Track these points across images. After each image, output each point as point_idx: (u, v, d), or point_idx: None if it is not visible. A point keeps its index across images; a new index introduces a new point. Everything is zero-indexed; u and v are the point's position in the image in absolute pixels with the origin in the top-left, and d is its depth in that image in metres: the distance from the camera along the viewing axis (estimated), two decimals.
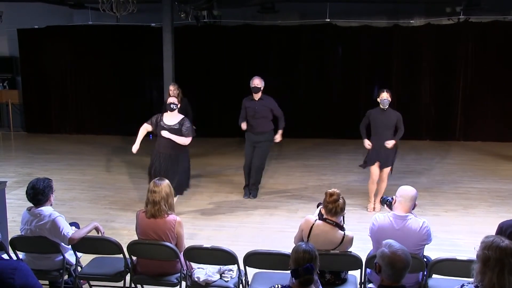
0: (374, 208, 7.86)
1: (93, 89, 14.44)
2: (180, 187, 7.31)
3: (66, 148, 12.64)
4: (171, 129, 7.11)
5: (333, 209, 4.53)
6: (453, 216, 7.72)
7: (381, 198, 5.13)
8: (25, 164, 11.05)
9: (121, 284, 4.84)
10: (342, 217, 4.67)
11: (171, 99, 7.26)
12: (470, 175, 9.98)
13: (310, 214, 4.83)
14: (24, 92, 14.90)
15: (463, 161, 11.28)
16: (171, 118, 7.20)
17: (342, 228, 4.60)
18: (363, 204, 8.12)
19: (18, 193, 8.43)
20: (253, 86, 8.16)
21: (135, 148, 7.30)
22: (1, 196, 5.89)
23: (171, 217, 4.73)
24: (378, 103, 7.55)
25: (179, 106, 7.29)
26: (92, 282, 5.12)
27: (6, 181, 6.12)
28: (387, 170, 7.78)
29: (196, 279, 4.68)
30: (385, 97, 7.48)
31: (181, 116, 7.27)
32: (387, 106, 7.52)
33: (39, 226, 4.68)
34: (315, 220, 4.61)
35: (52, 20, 14.11)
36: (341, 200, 4.56)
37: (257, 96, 8.21)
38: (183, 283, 4.74)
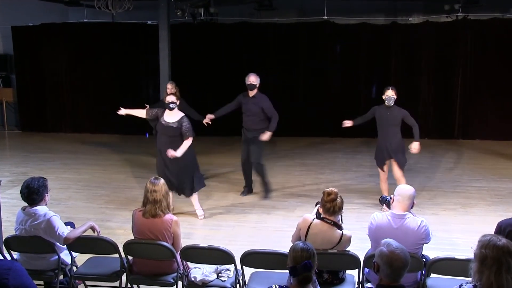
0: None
1: (89, 87, 14.32)
2: (199, 182, 7.38)
3: (61, 147, 12.56)
4: (169, 127, 7.03)
5: (331, 208, 4.51)
6: (452, 215, 7.69)
7: (380, 197, 5.11)
8: (19, 163, 10.98)
9: (117, 284, 4.81)
10: (340, 216, 4.65)
11: (170, 98, 7.17)
12: (469, 174, 9.95)
13: (308, 213, 4.80)
14: (19, 90, 14.80)
15: (462, 159, 11.25)
16: (171, 116, 7.12)
17: (340, 227, 4.57)
18: (361, 203, 8.08)
19: (13, 192, 8.37)
20: (248, 83, 8.13)
21: (123, 111, 7.31)
22: None
23: (168, 216, 4.71)
24: (382, 101, 7.53)
25: (178, 103, 7.20)
26: (87, 282, 5.08)
27: (1, 180, 6.11)
28: (397, 167, 7.67)
29: (192, 279, 4.65)
30: (390, 94, 7.46)
31: (181, 114, 7.17)
32: (393, 104, 7.48)
33: (34, 225, 4.65)
34: (313, 219, 4.58)
35: (47, 18, 14.01)
36: (339, 199, 4.54)
37: (251, 93, 8.16)
38: (180, 283, 4.71)
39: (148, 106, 7.72)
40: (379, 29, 13.27)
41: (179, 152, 6.92)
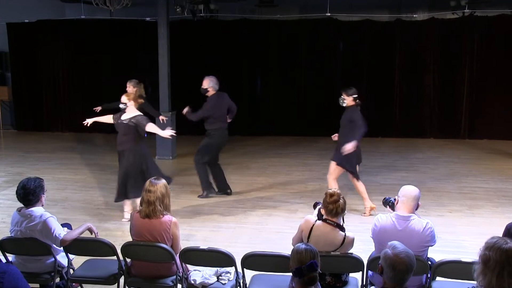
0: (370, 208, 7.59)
1: (86, 85, 14.19)
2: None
3: (58, 146, 12.46)
4: (121, 123, 7.03)
5: (333, 210, 4.45)
6: (458, 216, 7.58)
7: (384, 199, 5.01)
8: (15, 163, 10.87)
9: (115, 287, 4.73)
10: (342, 217, 4.56)
11: (122, 98, 7.13)
12: (475, 174, 9.82)
13: (310, 214, 4.72)
14: (14, 89, 14.67)
15: (468, 160, 11.10)
16: (127, 114, 7.09)
17: (342, 229, 4.50)
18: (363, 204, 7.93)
19: (8, 193, 8.28)
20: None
21: (90, 120, 7.34)
22: None
23: (167, 217, 4.62)
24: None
25: (127, 104, 7.08)
26: (85, 285, 5.02)
27: None
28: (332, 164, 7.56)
29: (192, 282, 4.59)
30: (342, 95, 7.42)
31: (137, 113, 7.09)
32: (345, 105, 7.42)
33: (29, 227, 4.57)
34: (315, 221, 4.51)
35: (43, 14, 13.88)
36: (341, 201, 4.48)
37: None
38: (179, 286, 4.64)
39: (100, 107, 7.54)
40: (383, 26, 13.14)
41: (156, 130, 7.04)
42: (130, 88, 8.76)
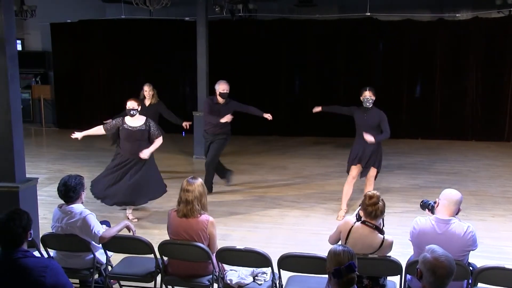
0: (343, 216, 7.16)
1: (125, 84, 14.37)
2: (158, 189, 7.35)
3: (97, 144, 12.62)
4: (136, 131, 6.97)
5: (372, 212, 4.38)
6: (501, 221, 7.36)
7: (421, 202, 4.90)
8: (56, 161, 11.10)
9: (151, 285, 4.76)
10: (381, 219, 4.49)
11: (131, 104, 7.02)
12: None
13: (349, 215, 4.65)
14: (56, 87, 15.01)
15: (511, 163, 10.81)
16: (135, 120, 7.05)
17: (381, 232, 4.42)
18: (404, 206, 7.79)
19: (50, 190, 8.45)
20: (222, 91, 8.24)
21: (78, 134, 7.26)
22: (32, 193, 5.86)
23: (204, 217, 4.61)
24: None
25: (139, 109, 7.08)
26: (122, 282, 5.05)
27: (38, 178, 6.10)
28: (373, 171, 7.40)
29: (228, 282, 4.58)
30: (368, 95, 7.21)
31: (144, 118, 7.12)
32: (371, 106, 7.22)
33: (70, 224, 4.64)
34: (354, 222, 4.45)
35: (85, 14, 14.17)
36: (380, 203, 4.40)
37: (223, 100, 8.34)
38: (215, 285, 4.63)
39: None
40: (425, 26, 12.93)
41: (149, 151, 6.95)
42: (150, 91, 8.90)
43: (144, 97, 8.88)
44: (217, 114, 8.21)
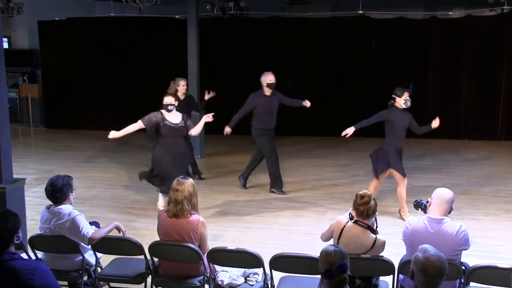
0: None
1: (115, 83, 14.29)
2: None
3: (86, 144, 12.56)
4: (181, 128, 7.07)
5: (364, 212, 4.37)
6: (494, 220, 7.36)
7: (415, 201, 4.90)
8: (44, 161, 11.00)
9: (142, 286, 4.72)
10: (374, 219, 4.47)
11: (168, 99, 7.07)
12: None
13: (341, 215, 4.63)
14: (44, 86, 14.86)
15: (505, 162, 10.83)
16: (173, 116, 7.11)
17: (374, 231, 4.42)
18: (397, 206, 7.72)
19: (37, 190, 8.36)
20: (270, 82, 8.13)
21: (114, 134, 7.25)
22: (20, 194, 5.80)
23: (194, 217, 4.57)
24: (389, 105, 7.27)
25: (176, 104, 7.13)
26: (112, 284, 5.00)
27: (25, 178, 6.04)
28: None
29: (219, 283, 4.56)
30: (408, 96, 7.25)
31: (180, 114, 7.20)
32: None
33: (58, 225, 4.58)
34: (347, 222, 4.43)
35: (73, 12, 14.03)
36: (372, 202, 4.39)
37: (270, 91, 8.24)
38: (206, 286, 4.59)
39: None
40: (418, 24, 12.93)
41: (198, 128, 7.23)
42: (185, 86, 8.99)
43: (176, 91, 8.80)
44: (267, 107, 8.15)
